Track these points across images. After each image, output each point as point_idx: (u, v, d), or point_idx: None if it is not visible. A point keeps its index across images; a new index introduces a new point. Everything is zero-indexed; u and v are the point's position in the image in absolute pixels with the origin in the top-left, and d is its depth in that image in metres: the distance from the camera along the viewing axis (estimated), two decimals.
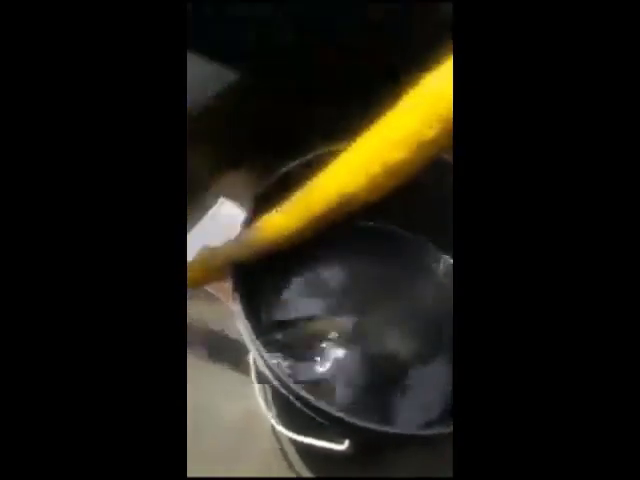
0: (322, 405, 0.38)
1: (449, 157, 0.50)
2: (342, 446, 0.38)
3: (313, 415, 0.39)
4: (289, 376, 0.46)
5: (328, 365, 0.52)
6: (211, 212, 0.67)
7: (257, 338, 0.41)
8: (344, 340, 0.53)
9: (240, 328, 0.42)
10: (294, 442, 0.51)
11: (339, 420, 0.38)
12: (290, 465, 0.53)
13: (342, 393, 0.51)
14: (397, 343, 0.55)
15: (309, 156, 0.48)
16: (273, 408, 0.51)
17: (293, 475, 0.52)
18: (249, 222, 0.45)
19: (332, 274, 0.59)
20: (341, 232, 0.59)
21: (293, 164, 0.49)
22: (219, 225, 0.65)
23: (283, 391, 0.40)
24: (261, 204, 0.45)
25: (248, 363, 0.46)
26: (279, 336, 0.52)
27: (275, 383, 0.41)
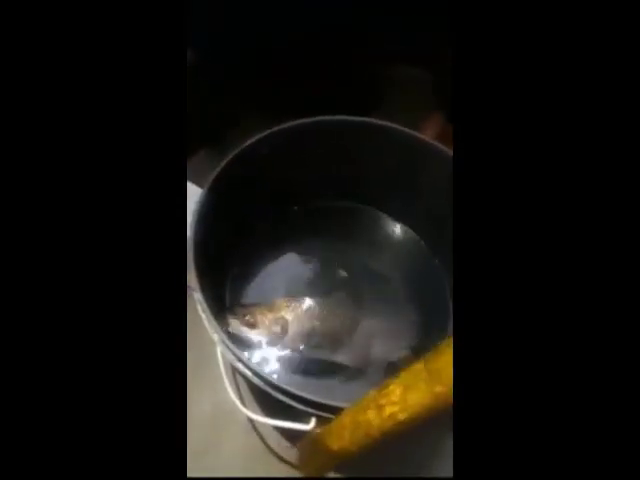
0: (286, 387, 0.38)
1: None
2: (309, 426, 0.38)
3: (280, 397, 0.39)
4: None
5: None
6: None
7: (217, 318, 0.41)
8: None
9: (201, 311, 0.42)
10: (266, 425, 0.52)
11: (304, 400, 0.38)
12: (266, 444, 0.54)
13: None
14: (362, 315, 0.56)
15: (259, 136, 0.47)
16: (243, 395, 0.50)
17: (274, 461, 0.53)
18: None
19: (300, 257, 0.60)
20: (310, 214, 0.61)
21: (247, 143, 0.48)
22: None
23: (248, 373, 0.40)
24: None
25: (215, 354, 0.46)
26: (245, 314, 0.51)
27: (239, 365, 0.40)
